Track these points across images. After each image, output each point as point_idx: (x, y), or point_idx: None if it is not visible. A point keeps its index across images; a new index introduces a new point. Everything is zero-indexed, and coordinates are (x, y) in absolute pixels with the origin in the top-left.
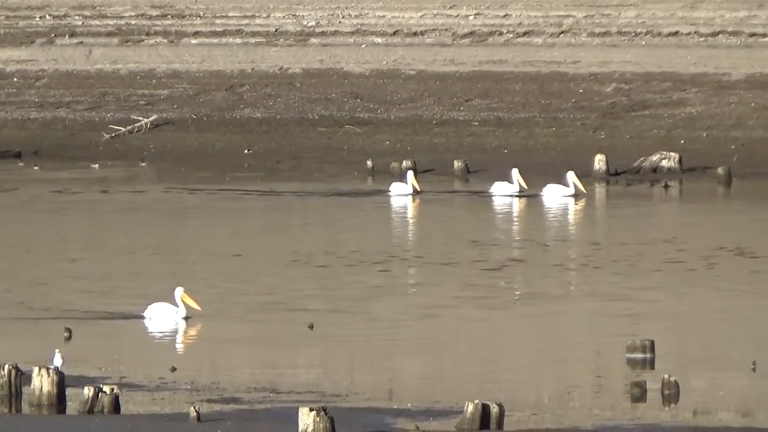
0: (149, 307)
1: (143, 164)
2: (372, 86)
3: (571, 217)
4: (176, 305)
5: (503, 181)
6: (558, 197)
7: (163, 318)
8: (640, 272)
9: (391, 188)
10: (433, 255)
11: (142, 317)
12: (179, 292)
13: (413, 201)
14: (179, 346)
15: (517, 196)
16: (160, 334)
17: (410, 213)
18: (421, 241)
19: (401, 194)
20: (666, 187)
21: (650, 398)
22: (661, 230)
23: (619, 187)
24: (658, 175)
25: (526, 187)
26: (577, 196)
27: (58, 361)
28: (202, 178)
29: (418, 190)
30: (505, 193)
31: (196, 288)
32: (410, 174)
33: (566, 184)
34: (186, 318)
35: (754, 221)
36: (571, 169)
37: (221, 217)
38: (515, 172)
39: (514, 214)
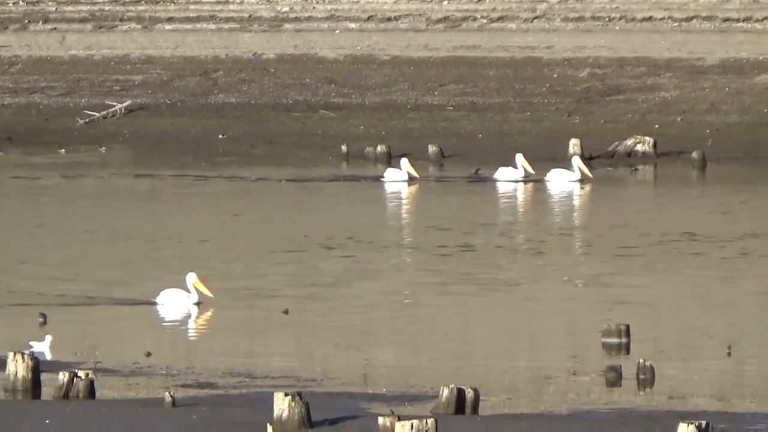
0: (162, 293)
1: (102, 149)
2: (346, 71)
3: (555, 203)
4: (188, 291)
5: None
6: (563, 182)
7: (176, 304)
8: (616, 257)
9: (385, 174)
10: (412, 241)
11: (155, 303)
12: (192, 278)
13: (408, 187)
14: (154, 332)
15: (521, 181)
16: (136, 320)
17: (400, 199)
18: (402, 227)
19: (396, 180)
20: (635, 170)
21: (625, 383)
22: (637, 215)
23: (595, 171)
24: (632, 159)
25: (532, 171)
26: (582, 180)
27: (45, 346)
28: (176, 163)
29: (416, 176)
30: (508, 179)
31: (168, 274)
32: (405, 160)
33: (571, 169)
34: (198, 304)
35: (729, 206)
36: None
37: (194, 203)
38: (519, 157)
39: (508, 200)
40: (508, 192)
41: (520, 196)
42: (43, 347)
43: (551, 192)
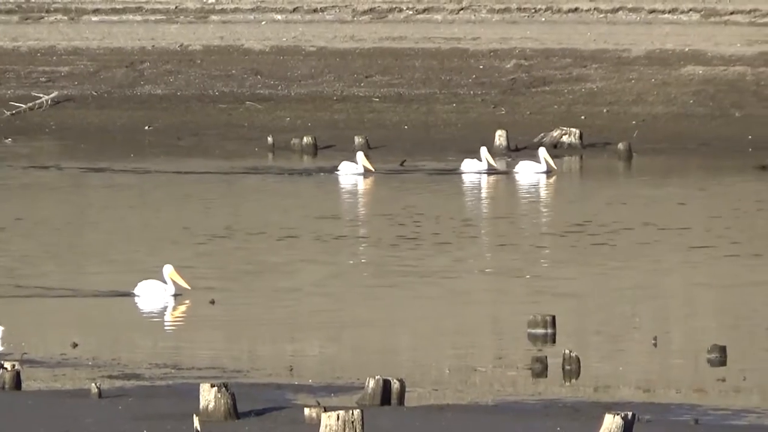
0: (139, 284)
1: (8, 141)
2: (272, 63)
3: (491, 194)
4: (165, 282)
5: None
6: (531, 174)
7: (153, 295)
8: (543, 248)
9: (340, 167)
10: (342, 232)
11: (132, 294)
12: (168, 269)
13: (364, 180)
14: (81, 323)
15: (486, 173)
16: (61, 311)
17: (346, 191)
18: (336, 219)
19: (351, 173)
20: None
21: (551, 373)
22: (560, 206)
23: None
24: (558, 150)
25: (495, 165)
26: (549, 172)
27: None
28: (102, 155)
29: (371, 169)
30: (472, 171)
31: (95, 265)
32: (361, 154)
33: (538, 161)
34: (175, 295)
35: (655, 197)
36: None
37: (117, 194)
38: (484, 150)
39: (459, 193)
40: (469, 185)
41: (475, 189)
42: None
43: (506, 184)
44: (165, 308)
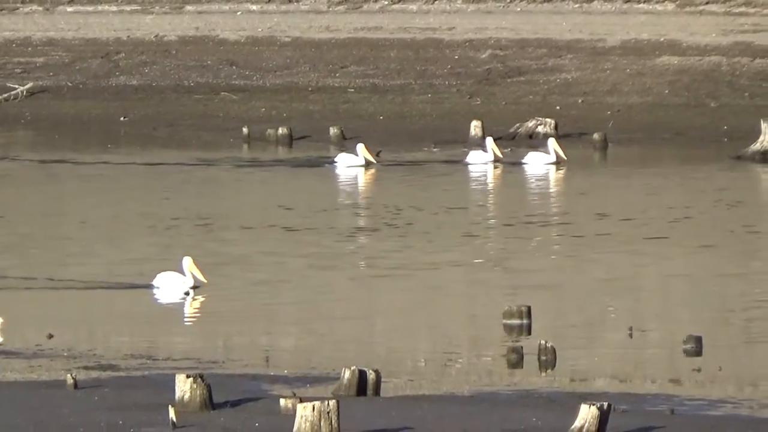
0: (158, 276)
1: None
2: (247, 53)
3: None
4: (184, 275)
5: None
6: (540, 165)
7: (172, 287)
8: (518, 239)
9: (337, 159)
10: (319, 223)
11: (152, 287)
12: (187, 261)
13: (364, 172)
14: (57, 314)
15: (493, 163)
16: (37, 302)
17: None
18: (315, 211)
19: (351, 165)
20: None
21: (527, 364)
22: (536, 197)
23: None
24: (534, 141)
25: (500, 155)
26: (558, 163)
27: None
28: (77, 145)
29: (372, 161)
30: (479, 162)
31: (62, 257)
32: (361, 145)
33: (547, 152)
34: (194, 287)
35: (630, 187)
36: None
37: (93, 185)
38: (489, 141)
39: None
40: (474, 175)
41: (479, 180)
42: None
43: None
44: (141, 299)
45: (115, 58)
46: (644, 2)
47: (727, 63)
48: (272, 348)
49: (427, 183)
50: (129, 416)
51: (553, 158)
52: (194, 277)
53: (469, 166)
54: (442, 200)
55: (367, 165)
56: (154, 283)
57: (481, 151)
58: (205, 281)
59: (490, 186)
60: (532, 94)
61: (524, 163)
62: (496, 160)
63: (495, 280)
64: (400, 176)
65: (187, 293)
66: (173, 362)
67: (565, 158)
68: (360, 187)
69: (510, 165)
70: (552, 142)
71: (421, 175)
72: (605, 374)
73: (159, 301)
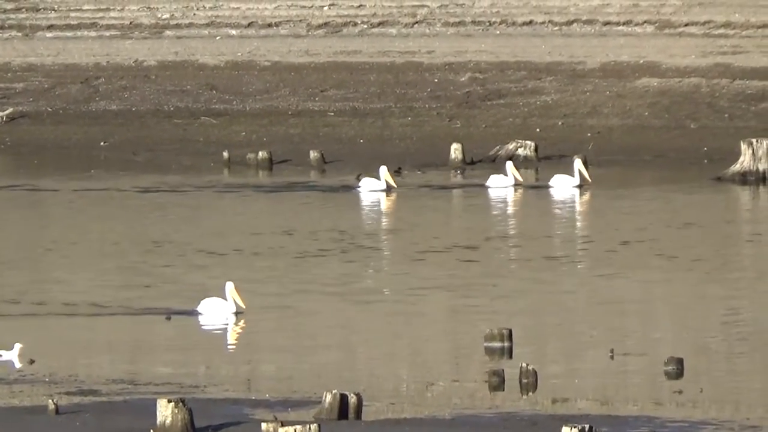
0: (202, 301)
1: None
2: (227, 78)
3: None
4: (226, 300)
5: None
6: (566, 188)
7: (215, 313)
8: (498, 262)
9: (361, 183)
10: (298, 248)
11: (197, 312)
12: (230, 287)
13: (387, 197)
14: (37, 339)
15: (513, 187)
16: (22, 329)
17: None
18: (293, 235)
19: (373, 190)
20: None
21: (508, 387)
22: (516, 220)
23: (476, 172)
24: (514, 163)
25: (521, 179)
26: (582, 186)
27: (14, 354)
28: (58, 170)
29: (393, 186)
30: (500, 185)
31: (37, 284)
32: (384, 168)
33: (572, 174)
34: (236, 313)
35: (611, 209)
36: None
37: (72, 210)
38: (510, 165)
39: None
40: (496, 199)
41: (502, 203)
42: (11, 355)
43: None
44: (122, 324)
45: (94, 83)
46: (623, 24)
47: (706, 84)
48: (253, 372)
49: (455, 208)
50: None
51: (578, 181)
52: (235, 302)
53: (490, 189)
54: (435, 225)
55: (388, 189)
56: (199, 309)
57: (501, 176)
58: (244, 307)
59: (464, 211)
60: (512, 116)
61: (551, 187)
62: (517, 183)
63: (475, 303)
64: (441, 202)
65: (228, 318)
66: (154, 387)
67: (590, 180)
68: (386, 212)
69: (535, 189)
70: (578, 163)
71: (471, 199)
72: (587, 396)
73: (140, 325)
